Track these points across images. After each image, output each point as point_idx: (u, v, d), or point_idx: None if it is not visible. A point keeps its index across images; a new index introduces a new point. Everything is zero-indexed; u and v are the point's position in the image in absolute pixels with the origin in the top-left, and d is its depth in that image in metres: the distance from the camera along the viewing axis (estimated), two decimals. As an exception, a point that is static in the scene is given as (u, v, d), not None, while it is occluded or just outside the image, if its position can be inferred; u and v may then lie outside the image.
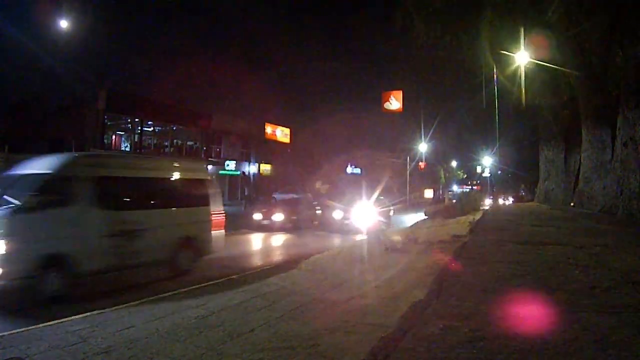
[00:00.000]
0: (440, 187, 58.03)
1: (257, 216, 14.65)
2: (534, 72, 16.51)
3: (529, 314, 3.20)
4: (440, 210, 22.52)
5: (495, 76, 17.70)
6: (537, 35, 14.68)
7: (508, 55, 15.21)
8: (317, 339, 3.32)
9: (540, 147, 22.01)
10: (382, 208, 14.85)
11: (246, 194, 31.17)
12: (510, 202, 29.37)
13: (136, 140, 27.65)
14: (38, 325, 3.95)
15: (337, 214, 14.61)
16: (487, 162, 53.44)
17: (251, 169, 36.93)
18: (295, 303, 4.53)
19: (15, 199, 5.18)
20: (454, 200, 31.78)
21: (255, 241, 12.51)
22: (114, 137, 27.86)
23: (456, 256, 5.82)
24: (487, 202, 30.66)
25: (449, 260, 5.56)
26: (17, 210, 5.04)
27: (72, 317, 4.20)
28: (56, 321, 4.08)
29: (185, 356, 3.15)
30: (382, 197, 22.88)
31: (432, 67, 19.37)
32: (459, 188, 58.25)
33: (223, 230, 7.67)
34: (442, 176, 58.94)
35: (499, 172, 49.00)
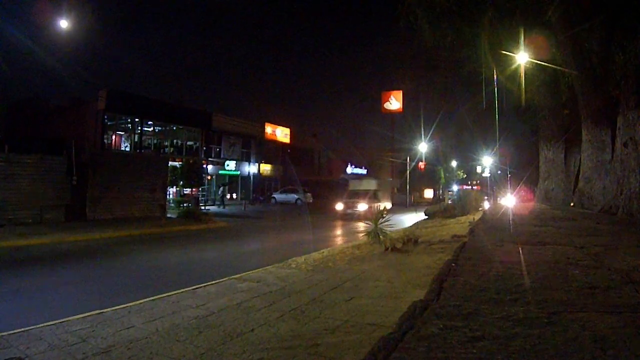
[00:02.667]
0: (441, 187, 58.04)
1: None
2: (534, 72, 16.53)
3: (529, 314, 3.20)
4: (440, 210, 22.52)
5: (495, 76, 17.72)
6: (537, 35, 14.70)
7: (508, 55, 15.22)
8: (317, 339, 3.32)
9: (540, 147, 22.02)
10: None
11: (220, 193, 30.43)
12: (513, 202, 27.45)
13: (136, 140, 27.65)
14: (38, 325, 3.94)
15: None
16: (487, 162, 53.53)
17: (251, 169, 36.91)
18: (295, 303, 4.53)
19: None
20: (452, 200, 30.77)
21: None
22: (114, 137, 27.87)
23: (456, 256, 5.82)
24: (487, 203, 30.31)
25: (449, 260, 5.56)
26: None
27: (72, 317, 4.20)
28: (56, 321, 4.08)
29: (185, 356, 3.16)
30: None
31: (432, 67, 19.41)
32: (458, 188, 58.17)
33: None
34: (442, 176, 58.96)
35: (499, 172, 49.05)
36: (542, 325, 2.91)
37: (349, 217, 21.15)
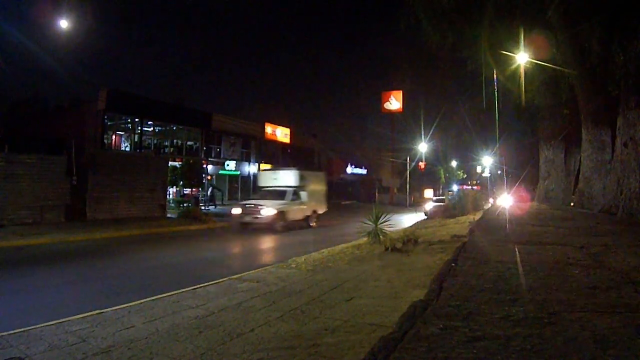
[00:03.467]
0: (441, 187, 58.06)
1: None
2: (534, 72, 16.54)
3: (529, 314, 3.20)
4: (440, 210, 22.54)
5: (495, 76, 17.74)
6: (537, 35, 14.71)
7: (508, 55, 15.24)
8: (317, 339, 3.32)
9: (540, 147, 22.04)
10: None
11: (209, 194, 29.80)
12: (511, 202, 26.61)
13: (136, 140, 27.64)
14: (38, 325, 3.94)
15: None
16: (487, 162, 53.58)
17: (251, 169, 36.89)
18: (295, 303, 4.53)
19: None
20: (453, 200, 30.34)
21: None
22: (114, 137, 27.86)
23: (456, 256, 5.82)
24: (487, 203, 30.24)
25: (449, 260, 5.56)
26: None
27: (72, 317, 4.20)
28: (56, 321, 4.08)
29: (185, 356, 3.16)
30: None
31: (433, 67, 19.41)
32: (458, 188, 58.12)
33: None
34: (442, 176, 58.98)
35: (499, 172, 49.08)
36: (542, 325, 2.91)
37: (247, 228, 15.00)
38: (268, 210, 14.67)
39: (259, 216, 14.63)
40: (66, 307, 4.92)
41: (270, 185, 17.67)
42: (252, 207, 15.19)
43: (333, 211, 27.54)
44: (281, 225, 14.90)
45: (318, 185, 18.86)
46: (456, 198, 25.84)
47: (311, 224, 17.02)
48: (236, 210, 15.78)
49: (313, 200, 17.57)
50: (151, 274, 7.78)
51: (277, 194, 16.20)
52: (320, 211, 18.12)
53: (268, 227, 14.56)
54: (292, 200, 16.27)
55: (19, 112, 28.38)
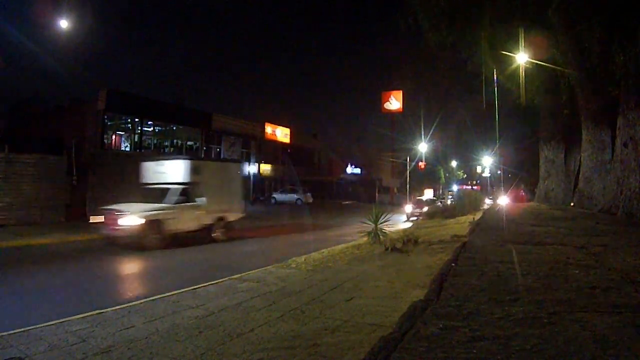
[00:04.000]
0: (441, 187, 58.07)
1: None
2: (534, 72, 16.54)
3: (529, 314, 3.20)
4: (440, 210, 22.54)
5: (495, 76, 17.74)
6: (537, 35, 14.71)
7: (508, 55, 15.24)
8: (317, 339, 3.32)
9: (540, 147, 22.04)
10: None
11: None
12: (508, 202, 25.89)
13: (136, 140, 27.65)
14: (38, 325, 3.95)
15: None
16: (487, 162, 53.61)
17: (251, 169, 36.89)
18: (295, 303, 4.53)
19: None
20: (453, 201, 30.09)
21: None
22: (114, 137, 27.85)
23: (456, 256, 5.82)
24: (487, 203, 30.20)
25: (449, 260, 5.56)
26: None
27: (72, 317, 4.21)
28: (56, 321, 4.08)
29: (185, 356, 3.16)
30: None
31: (433, 67, 19.42)
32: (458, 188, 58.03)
33: None
34: (442, 176, 58.96)
35: (499, 172, 49.08)
36: (542, 325, 2.91)
37: (113, 242, 10.69)
38: (131, 218, 10.23)
39: (117, 227, 10.27)
40: (66, 307, 4.93)
41: (153, 181, 12.57)
42: (110, 213, 10.65)
43: (333, 211, 27.57)
44: (156, 239, 10.59)
45: (227, 182, 13.58)
46: (456, 198, 25.71)
47: (214, 236, 12.33)
48: (98, 219, 11.27)
49: (218, 203, 12.59)
50: (151, 274, 7.78)
51: (158, 194, 11.66)
52: (232, 218, 13.13)
53: (136, 243, 10.26)
54: (178, 202, 11.48)
55: (19, 112, 28.38)
